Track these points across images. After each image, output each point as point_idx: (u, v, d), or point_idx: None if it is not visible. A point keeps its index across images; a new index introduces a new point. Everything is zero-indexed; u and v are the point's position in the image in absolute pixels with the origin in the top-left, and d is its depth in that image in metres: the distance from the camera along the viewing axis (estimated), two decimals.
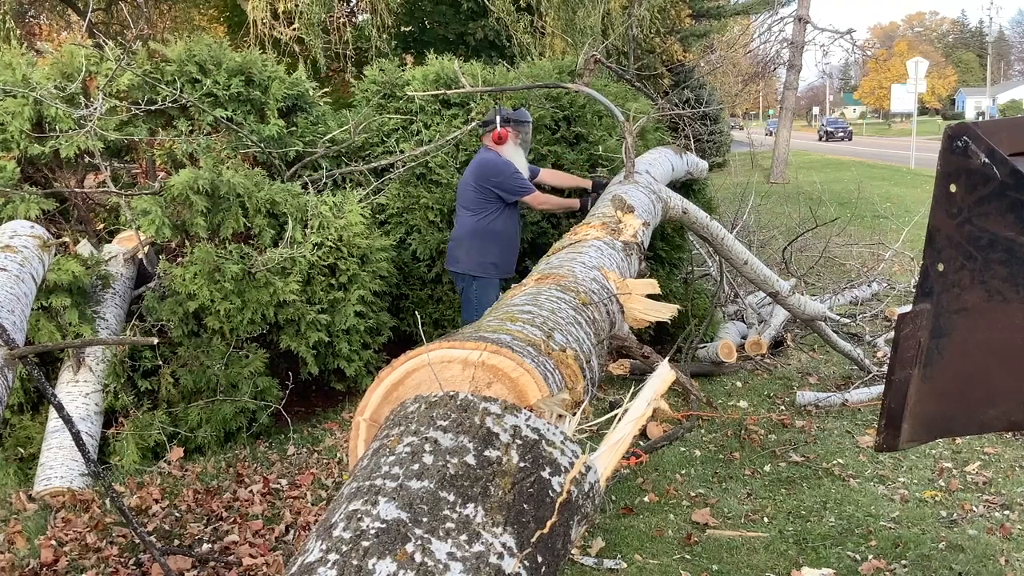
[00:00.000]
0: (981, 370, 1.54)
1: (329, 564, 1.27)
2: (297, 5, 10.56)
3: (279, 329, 5.13)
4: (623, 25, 12.22)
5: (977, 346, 1.53)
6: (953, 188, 1.50)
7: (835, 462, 4.48)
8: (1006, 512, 3.85)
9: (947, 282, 1.54)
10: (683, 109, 10.35)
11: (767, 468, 4.48)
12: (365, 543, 1.29)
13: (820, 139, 49.82)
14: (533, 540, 1.38)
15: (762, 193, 11.75)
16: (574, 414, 1.71)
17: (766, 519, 3.89)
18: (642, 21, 12.82)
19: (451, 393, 1.57)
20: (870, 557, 3.48)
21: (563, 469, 1.49)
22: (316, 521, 3.49)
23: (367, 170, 6.25)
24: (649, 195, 4.53)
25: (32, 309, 3.85)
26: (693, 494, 4.18)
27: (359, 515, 1.34)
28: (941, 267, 1.55)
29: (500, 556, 1.33)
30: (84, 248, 5.07)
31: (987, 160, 1.44)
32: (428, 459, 1.43)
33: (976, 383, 1.55)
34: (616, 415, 1.63)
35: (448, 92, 6.24)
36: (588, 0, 11.54)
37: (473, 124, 6.21)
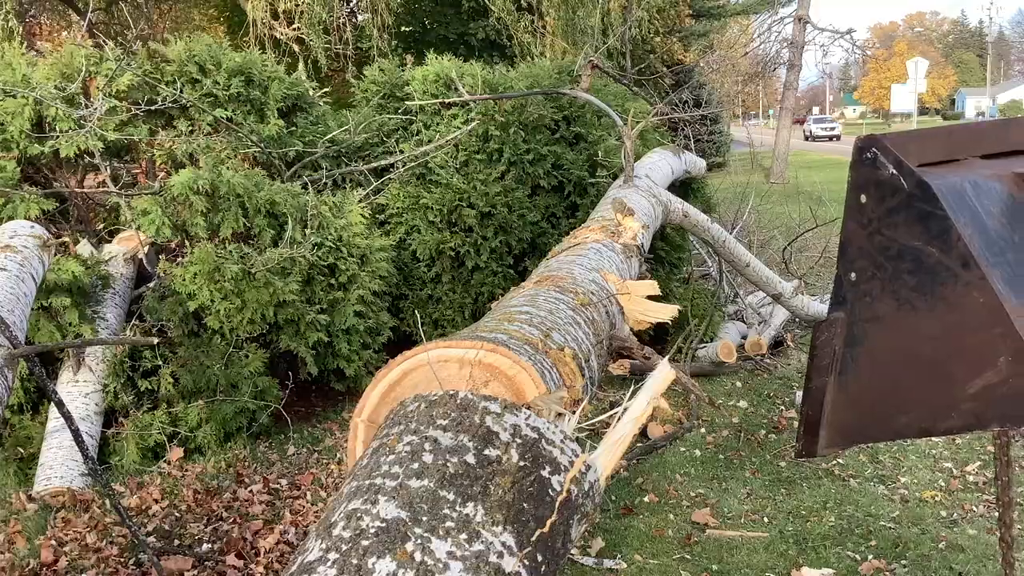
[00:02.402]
0: (892, 378, 1.55)
1: (329, 563, 1.27)
2: (298, 5, 10.56)
3: (279, 329, 5.12)
4: (621, 27, 12.23)
5: (888, 354, 1.54)
6: (863, 199, 1.52)
7: (835, 462, 4.48)
8: None
9: (859, 291, 1.55)
10: (683, 109, 10.35)
11: (767, 468, 4.48)
12: (365, 542, 1.29)
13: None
14: (533, 539, 1.38)
15: (762, 193, 11.74)
16: (573, 412, 1.71)
17: (766, 519, 3.89)
18: (640, 22, 12.82)
19: (451, 392, 1.57)
20: (870, 557, 3.48)
21: (563, 468, 1.49)
22: (316, 521, 3.49)
23: (367, 170, 6.25)
24: (649, 199, 4.53)
25: (32, 309, 3.85)
26: (693, 494, 4.18)
27: (359, 514, 1.34)
28: (853, 276, 1.56)
29: (500, 555, 1.33)
30: (84, 248, 5.07)
31: (895, 171, 1.46)
32: (428, 458, 1.43)
33: (888, 391, 1.57)
34: (616, 414, 1.63)
35: (447, 101, 6.25)
36: (588, 0, 11.54)
37: (473, 124, 6.21)
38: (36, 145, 5.12)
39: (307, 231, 5.17)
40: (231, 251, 4.96)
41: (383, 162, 6.30)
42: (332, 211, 5.36)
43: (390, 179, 6.19)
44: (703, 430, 5.06)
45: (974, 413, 1.44)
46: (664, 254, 6.61)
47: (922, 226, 1.44)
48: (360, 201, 5.66)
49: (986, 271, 1.39)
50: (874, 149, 1.50)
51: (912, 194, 1.44)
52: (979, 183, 1.49)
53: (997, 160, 1.63)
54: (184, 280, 4.85)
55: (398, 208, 6.19)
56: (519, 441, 1.48)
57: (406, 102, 6.47)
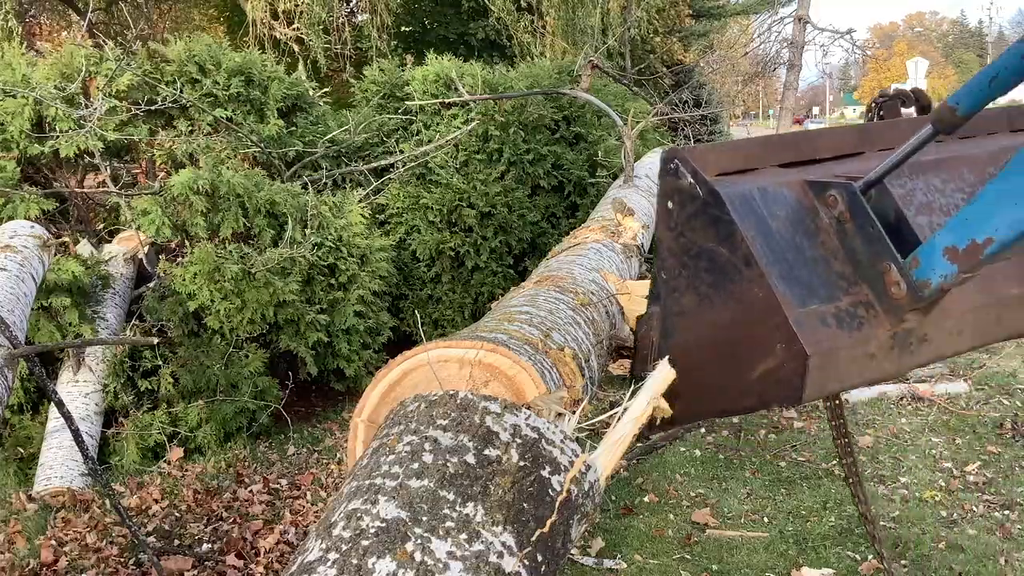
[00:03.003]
0: (697, 365, 1.72)
1: (329, 563, 1.27)
2: (297, 5, 10.56)
3: (278, 329, 5.12)
4: (620, 27, 12.23)
5: (693, 345, 1.71)
6: (670, 205, 1.68)
7: (835, 462, 4.48)
8: (1006, 512, 3.85)
9: (669, 288, 1.72)
10: (683, 109, 10.36)
11: (767, 468, 4.48)
12: (365, 542, 1.29)
13: None
14: (533, 539, 1.38)
15: None
16: (573, 412, 1.71)
17: (766, 519, 3.89)
18: (639, 22, 12.79)
19: (451, 392, 1.57)
20: (870, 557, 3.48)
21: (563, 468, 1.49)
22: (316, 521, 3.48)
23: (367, 170, 6.25)
24: (650, 198, 4.53)
25: (32, 309, 3.85)
26: (693, 494, 4.18)
27: (359, 514, 1.34)
28: (664, 275, 1.73)
29: (500, 555, 1.33)
30: (84, 248, 5.07)
31: (692, 181, 1.63)
32: (428, 458, 1.43)
33: (694, 377, 1.74)
34: (616, 414, 1.63)
35: (447, 101, 6.26)
36: (588, 0, 11.54)
37: (473, 124, 6.21)
38: (36, 145, 5.11)
39: (307, 231, 5.16)
40: (231, 251, 4.96)
41: (383, 162, 6.30)
42: (332, 211, 5.36)
43: (390, 179, 6.19)
44: (703, 430, 5.06)
45: (758, 394, 1.60)
46: None
47: (714, 229, 1.61)
48: (360, 201, 5.66)
49: (765, 269, 1.54)
50: (676, 161, 1.66)
51: (706, 201, 1.61)
52: (767, 190, 1.65)
53: (793, 168, 1.80)
54: (184, 280, 4.85)
55: (398, 208, 6.19)
56: (519, 441, 1.48)
57: (406, 102, 6.47)
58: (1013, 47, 1.52)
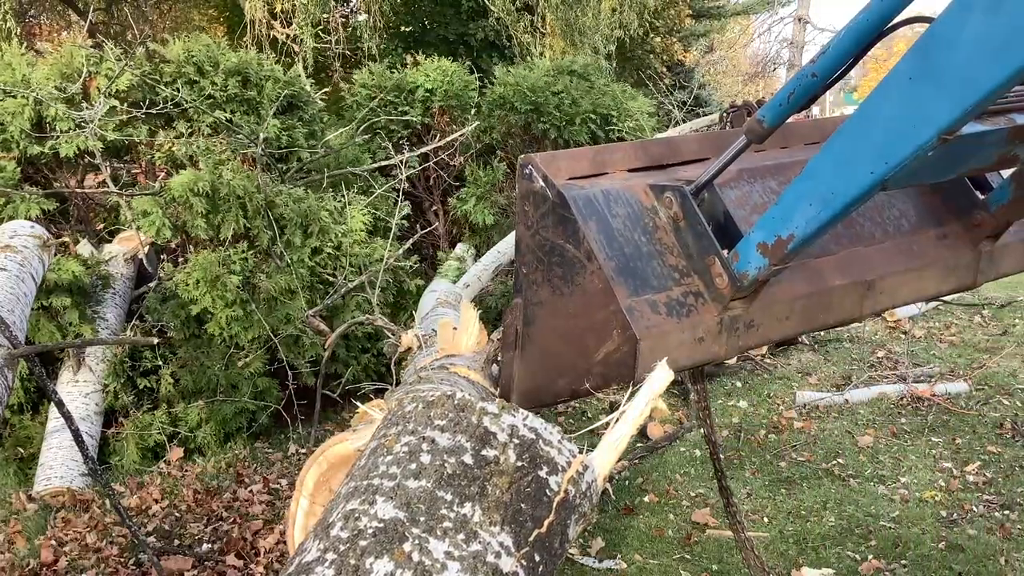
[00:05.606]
0: (552, 350, 1.89)
1: (327, 563, 1.27)
2: (294, 5, 10.55)
3: (275, 334, 5.10)
4: (610, 27, 12.20)
5: (550, 331, 1.88)
6: (526, 206, 1.86)
7: (835, 462, 4.48)
8: (1006, 512, 3.85)
9: (529, 281, 1.89)
10: (681, 109, 10.35)
11: (767, 468, 4.48)
12: (363, 542, 1.29)
13: None
14: (531, 539, 1.39)
15: None
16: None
17: (766, 519, 3.89)
18: (629, 24, 12.72)
19: (448, 392, 1.57)
20: (870, 557, 3.48)
21: (560, 468, 1.49)
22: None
23: (366, 172, 6.24)
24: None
25: (32, 309, 3.85)
26: (693, 494, 4.18)
27: (357, 514, 1.34)
28: (524, 269, 1.90)
29: (498, 555, 1.33)
30: (84, 248, 5.07)
31: (543, 184, 1.80)
32: (426, 458, 1.43)
33: (550, 361, 1.90)
34: (614, 416, 1.64)
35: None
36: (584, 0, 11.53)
37: (475, 125, 6.21)
38: (36, 145, 5.11)
39: (306, 236, 5.15)
40: (234, 260, 4.92)
41: (383, 163, 6.29)
42: (332, 216, 5.34)
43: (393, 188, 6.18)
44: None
45: (602, 375, 1.75)
46: None
47: (562, 228, 1.78)
48: (361, 209, 5.65)
49: (603, 263, 1.72)
50: (529, 166, 1.83)
51: (555, 202, 1.78)
52: (611, 192, 1.83)
53: (641, 172, 1.98)
54: (188, 286, 4.84)
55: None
56: (516, 442, 1.48)
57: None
58: (804, 68, 1.72)
